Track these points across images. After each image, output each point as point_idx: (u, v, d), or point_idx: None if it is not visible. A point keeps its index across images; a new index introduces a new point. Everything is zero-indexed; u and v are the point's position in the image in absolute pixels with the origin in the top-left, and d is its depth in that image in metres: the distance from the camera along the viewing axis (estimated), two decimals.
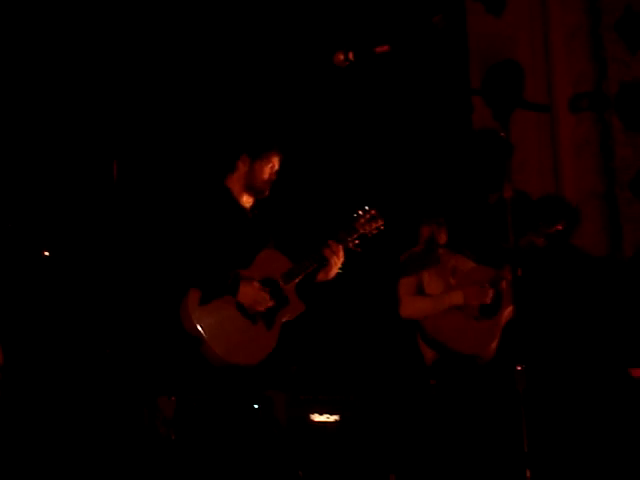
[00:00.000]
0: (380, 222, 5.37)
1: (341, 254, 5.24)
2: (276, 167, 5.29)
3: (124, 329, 6.35)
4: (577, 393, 6.08)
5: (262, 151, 5.27)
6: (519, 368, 4.59)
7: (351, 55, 4.96)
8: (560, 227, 6.09)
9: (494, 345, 5.86)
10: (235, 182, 5.32)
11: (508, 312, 5.85)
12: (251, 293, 5.01)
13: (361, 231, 5.34)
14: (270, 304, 5.06)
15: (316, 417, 6.33)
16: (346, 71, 5.00)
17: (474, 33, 7.63)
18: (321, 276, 5.32)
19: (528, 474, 4.52)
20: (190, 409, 5.56)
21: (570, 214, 6.24)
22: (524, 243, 6.01)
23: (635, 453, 5.73)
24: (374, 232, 5.38)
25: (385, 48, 5.01)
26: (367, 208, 5.39)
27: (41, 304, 6.58)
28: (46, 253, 6.11)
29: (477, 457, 5.72)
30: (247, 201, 5.34)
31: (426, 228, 6.06)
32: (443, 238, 6.08)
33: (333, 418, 6.38)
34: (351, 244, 5.32)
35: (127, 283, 6.51)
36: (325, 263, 5.26)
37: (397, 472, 5.77)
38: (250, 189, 5.30)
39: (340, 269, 5.32)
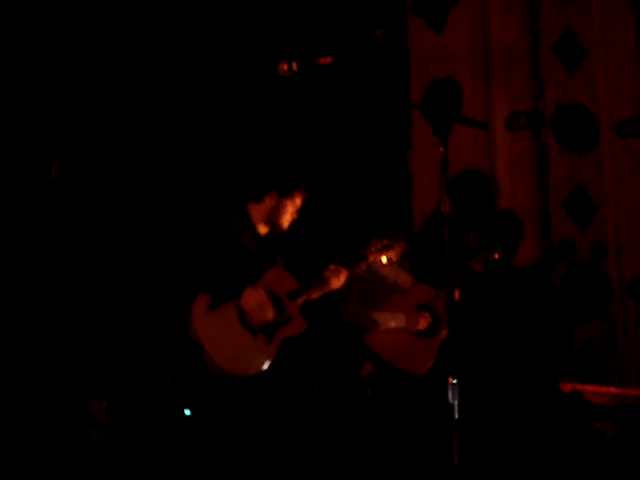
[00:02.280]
0: (392, 253, 5.67)
1: (342, 277, 5.42)
2: (299, 206, 5.46)
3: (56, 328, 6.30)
4: (508, 407, 6.15)
5: (291, 190, 5.41)
6: (452, 381, 4.64)
7: (295, 65, 4.98)
8: (497, 256, 6.22)
9: (430, 364, 5.96)
10: (257, 211, 5.44)
11: (445, 332, 5.94)
12: (255, 300, 5.09)
13: (370, 259, 5.54)
14: (271, 314, 5.14)
15: None
16: (289, 81, 5.03)
17: (415, 48, 7.70)
18: (316, 294, 5.49)
19: None
20: (122, 413, 5.54)
21: (510, 239, 6.36)
22: (464, 269, 6.15)
23: (565, 466, 5.81)
24: (383, 261, 5.61)
25: (328, 59, 5.04)
26: (380, 238, 5.62)
27: None
28: None
29: (408, 468, 5.77)
30: (262, 230, 5.46)
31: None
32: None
33: None
34: (358, 270, 5.56)
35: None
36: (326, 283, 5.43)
37: None
38: (270, 223, 5.44)
39: None
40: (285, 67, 4.98)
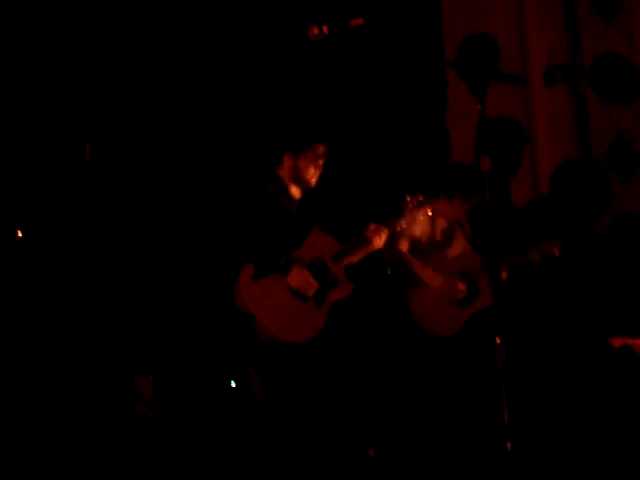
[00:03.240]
0: (429, 209, 5.56)
1: (383, 236, 5.40)
2: (321, 160, 5.44)
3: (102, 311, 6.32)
4: (558, 365, 6.09)
5: (305, 146, 5.42)
6: (498, 341, 4.59)
7: (326, 29, 4.93)
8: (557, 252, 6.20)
9: (456, 330, 5.94)
10: (283, 174, 5.47)
11: (480, 304, 5.93)
12: (300, 279, 5.12)
13: (407, 216, 5.51)
14: (315, 290, 5.16)
15: None
16: (321, 45, 4.98)
17: (447, 4, 7.58)
18: (359, 255, 5.48)
19: (509, 446, 4.53)
20: (168, 388, 5.55)
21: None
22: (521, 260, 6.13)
23: (614, 422, 5.75)
24: (422, 218, 5.69)
25: (359, 21, 4.98)
26: (416, 194, 5.54)
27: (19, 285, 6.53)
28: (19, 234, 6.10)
29: (458, 430, 5.74)
30: (296, 192, 5.50)
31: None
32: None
33: None
34: (399, 228, 5.53)
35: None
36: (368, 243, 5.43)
37: (376, 447, 5.76)
38: (297, 182, 5.46)
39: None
40: (316, 31, 4.94)
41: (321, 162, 5.44)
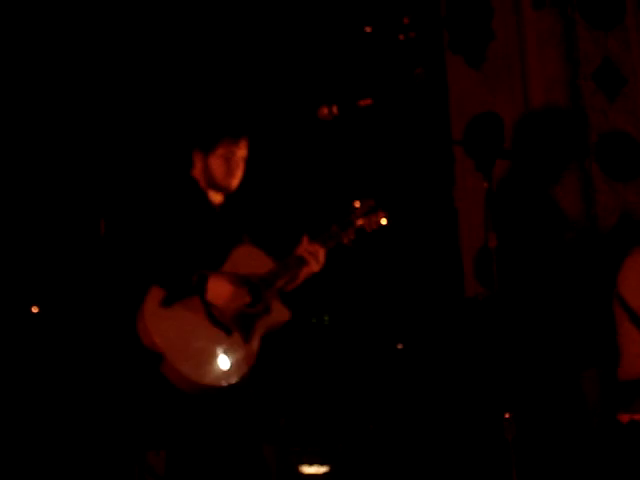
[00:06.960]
0: (381, 216, 4.82)
1: (320, 254, 4.57)
2: (237, 156, 4.60)
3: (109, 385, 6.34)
4: (565, 440, 6.08)
5: (213, 142, 4.58)
6: (507, 416, 4.61)
7: (335, 109, 5.01)
8: None
9: None
10: (199, 178, 4.64)
11: None
12: (225, 289, 4.21)
13: (357, 225, 4.78)
14: (248, 300, 4.29)
15: (306, 469, 6.30)
16: (330, 124, 5.06)
17: (454, 85, 7.72)
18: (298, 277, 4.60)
19: None
20: (181, 463, 5.53)
21: None
22: None
23: None
24: (374, 227, 4.84)
25: (368, 101, 5.07)
26: (366, 199, 4.87)
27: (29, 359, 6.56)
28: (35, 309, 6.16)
29: None
30: (215, 198, 4.68)
31: None
32: None
33: (323, 470, 6.36)
34: (346, 239, 4.71)
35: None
36: (304, 262, 4.54)
37: None
38: (213, 186, 4.62)
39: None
40: (325, 111, 5.02)
41: (237, 160, 4.60)
